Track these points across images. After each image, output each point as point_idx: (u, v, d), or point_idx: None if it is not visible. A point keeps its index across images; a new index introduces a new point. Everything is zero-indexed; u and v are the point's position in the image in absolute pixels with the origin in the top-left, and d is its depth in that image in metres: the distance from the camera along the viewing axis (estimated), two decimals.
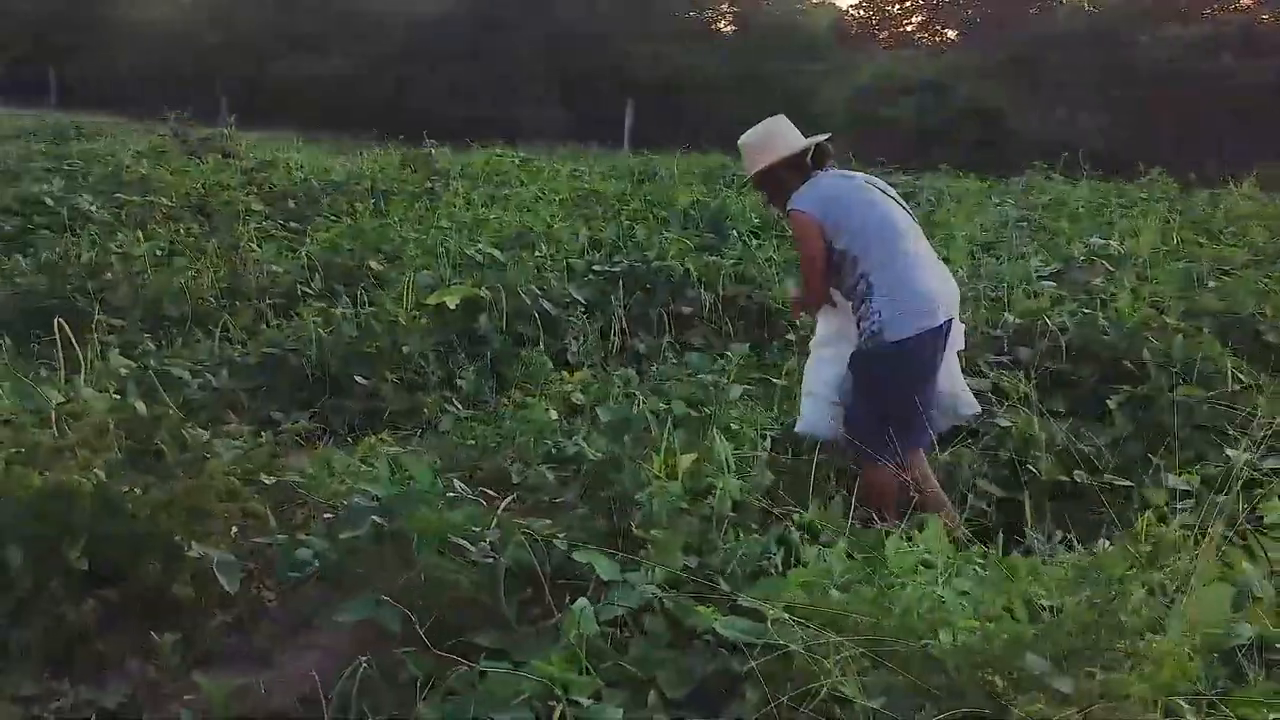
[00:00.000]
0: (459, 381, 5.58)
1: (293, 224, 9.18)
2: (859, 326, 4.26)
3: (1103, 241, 8.36)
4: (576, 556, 3.07)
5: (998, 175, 15.49)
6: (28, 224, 8.16)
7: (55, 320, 4.39)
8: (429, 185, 11.64)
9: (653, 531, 3.24)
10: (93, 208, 8.53)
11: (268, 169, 11.67)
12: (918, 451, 4.28)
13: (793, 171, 4.38)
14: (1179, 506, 3.60)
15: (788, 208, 4.32)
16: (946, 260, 5.19)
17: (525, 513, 3.67)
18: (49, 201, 8.51)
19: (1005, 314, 6.05)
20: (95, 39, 28.33)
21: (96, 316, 5.73)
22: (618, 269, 6.86)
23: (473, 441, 4.52)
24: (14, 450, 3.68)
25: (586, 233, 8.24)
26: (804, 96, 24.46)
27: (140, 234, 7.44)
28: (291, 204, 10.04)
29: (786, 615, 2.66)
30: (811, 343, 4.66)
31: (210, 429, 4.29)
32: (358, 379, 5.45)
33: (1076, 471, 4.48)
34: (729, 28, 36.18)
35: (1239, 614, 2.79)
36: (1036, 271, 7.43)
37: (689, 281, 6.76)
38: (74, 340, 4.25)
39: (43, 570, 3.42)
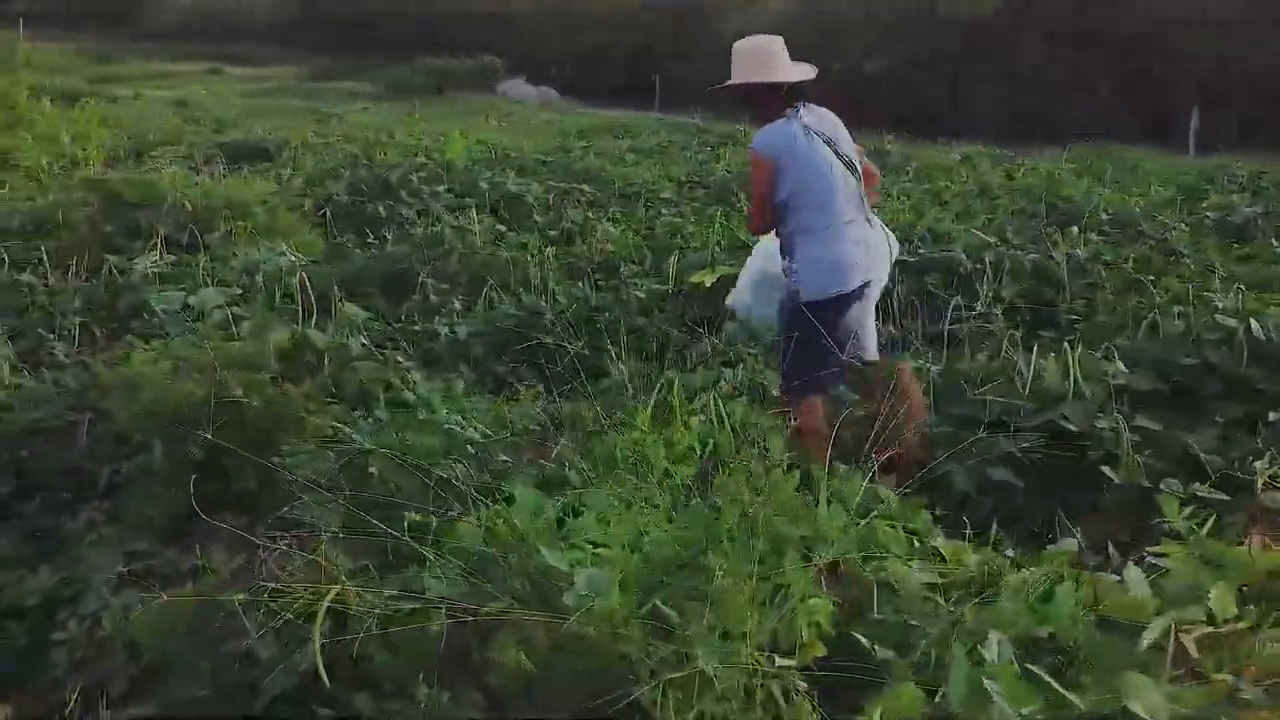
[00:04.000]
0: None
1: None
2: (785, 274, 4.71)
3: None
4: None
5: None
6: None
7: (298, 276, 5.55)
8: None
9: None
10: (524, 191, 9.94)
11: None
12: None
13: (768, 95, 4.62)
14: None
15: (751, 145, 4.67)
16: None
17: None
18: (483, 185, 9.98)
19: None
20: (692, 50, 31.36)
21: (421, 279, 6.85)
22: None
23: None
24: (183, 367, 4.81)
25: None
26: None
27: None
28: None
29: None
30: None
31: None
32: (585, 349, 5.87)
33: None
34: None
35: None
36: None
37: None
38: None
39: (174, 460, 4.48)
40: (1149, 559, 3.02)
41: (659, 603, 2.31)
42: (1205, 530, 2.96)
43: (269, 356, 4.71)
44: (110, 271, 6.69)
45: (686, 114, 22.85)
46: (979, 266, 6.42)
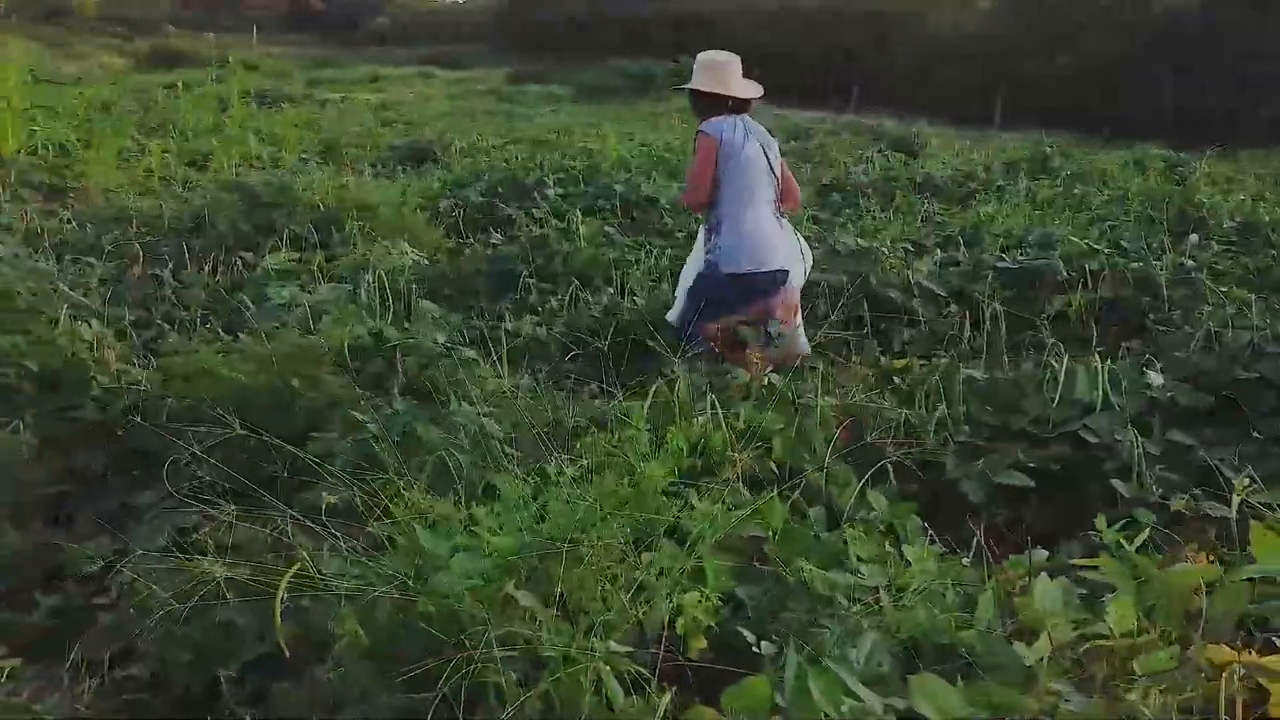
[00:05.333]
0: None
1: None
2: (705, 252, 5.47)
3: None
4: None
5: None
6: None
7: (377, 274, 5.91)
8: None
9: None
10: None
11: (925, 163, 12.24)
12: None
13: (716, 103, 5.49)
14: None
15: (699, 127, 5.46)
16: None
17: None
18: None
19: None
20: (892, 51, 30.89)
21: (522, 279, 7.13)
22: None
23: None
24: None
25: None
26: None
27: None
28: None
29: None
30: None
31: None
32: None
33: None
34: None
35: None
36: None
37: None
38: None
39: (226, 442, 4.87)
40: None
41: (511, 587, 2.45)
42: (1135, 545, 2.92)
43: (326, 350, 5.03)
44: (236, 267, 7.19)
45: (876, 115, 22.58)
46: (1073, 275, 6.28)
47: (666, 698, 2.22)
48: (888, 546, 3.48)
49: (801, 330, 5.63)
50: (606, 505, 2.76)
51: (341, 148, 14.91)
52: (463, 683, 2.32)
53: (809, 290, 6.46)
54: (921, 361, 5.68)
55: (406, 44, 46.03)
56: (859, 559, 3.37)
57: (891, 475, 4.28)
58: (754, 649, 2.73)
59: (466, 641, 2.35)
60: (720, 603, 2.97)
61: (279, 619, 2.75)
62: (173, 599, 3.47)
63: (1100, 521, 3.03)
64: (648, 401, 4.18)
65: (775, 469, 4.15)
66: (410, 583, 2.53)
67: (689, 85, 5.59)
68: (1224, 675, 2.33)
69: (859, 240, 7.09)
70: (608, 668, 2.36)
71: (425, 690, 2.34)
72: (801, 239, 5.66)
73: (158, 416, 5.11)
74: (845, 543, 3.46)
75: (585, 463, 3.65)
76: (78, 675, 3.57)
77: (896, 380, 5.29)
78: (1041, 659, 2.62)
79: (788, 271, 5.41)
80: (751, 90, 5.54)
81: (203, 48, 30.61)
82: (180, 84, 20.73)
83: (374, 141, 15.47)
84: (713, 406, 4.12)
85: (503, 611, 2.51)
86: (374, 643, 2.39)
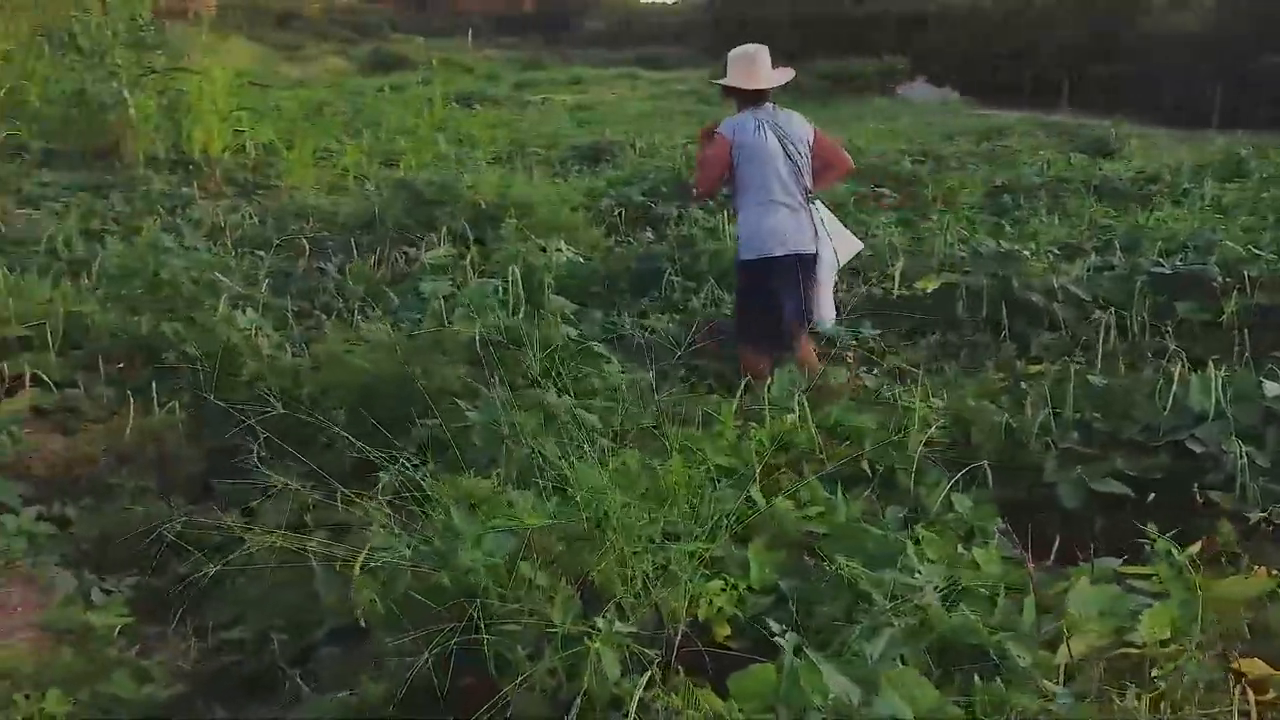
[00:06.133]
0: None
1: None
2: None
3: None
4: None
5: None
6: None
7: (512, 270, 6.16)
8: None
9: None
10: None
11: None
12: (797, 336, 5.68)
13: (742, 94, 5.88)
14: None
15: (719, 125, 5.91)
16: None
17: None
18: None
19: None
20: (1114, 50, 29.62)
21: (667, 276, 7.28)
22: None
23: None
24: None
25: None
26: None
27: None
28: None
29: None
30: None
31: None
32: None
33: None
34: None
35: None
36: None
37: None
38: None
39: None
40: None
41: (520, 562, 2.59)
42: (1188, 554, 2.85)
43: (453, 342, 5.28)
44: (398, 262, 7.56)
45: (1086, 115, 21.81)
46: (1228, 281, 6.03)
47: (645, 677, 2.30)
48: (960, 549, 3.49)
49: (824, 301, 5.88)
50: (635, 491, 2.86)
51: (528, 148, 15.36)
52: (468, 650, 2.46)
53: (944, 293, 6.43)
54: (1056, 367, 5.58)
55: (616, 45, 46.83)
56: (927, 559, 3.40)
57: (990, 479, 4.26)
58: (774, 639, 2.79)
59: (476, 614, 2.49)
60: (759, 594, 3.06)
61: (350, 592, 2.96)
62: (272, 570, 3.76)
63: (1153, 530, 2.96)
64: (736, 399, 4.26)
65: (868, 468, 4.18)
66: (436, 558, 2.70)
67: (728, 82, 5.95)
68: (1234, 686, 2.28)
69: (1001, 243, 6.96)
70: (606, 646, 2.46)
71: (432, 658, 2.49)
72: (835, 221, 5.94)
73: (296, 402, 5.46)
74: (916, 542, 3.49)
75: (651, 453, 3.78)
76: (186, 637, 3.88)
77: (1024, 385, 5.22)
78: (1062, 663, 2.62)
79: (812, 254, 5.72)
80: (769, 80, 5.90)
81: (418, 51, 31.82)
82: (387, 87, 21.69)
83: (558, 142, 15.87)
84: (800, 405, 4.16)
85: (523, 589, 2.64)
86: (389, 612, 2.56)
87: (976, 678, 2.56)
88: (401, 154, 14.17)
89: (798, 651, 2.44)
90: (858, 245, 6.07)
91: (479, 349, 5.47)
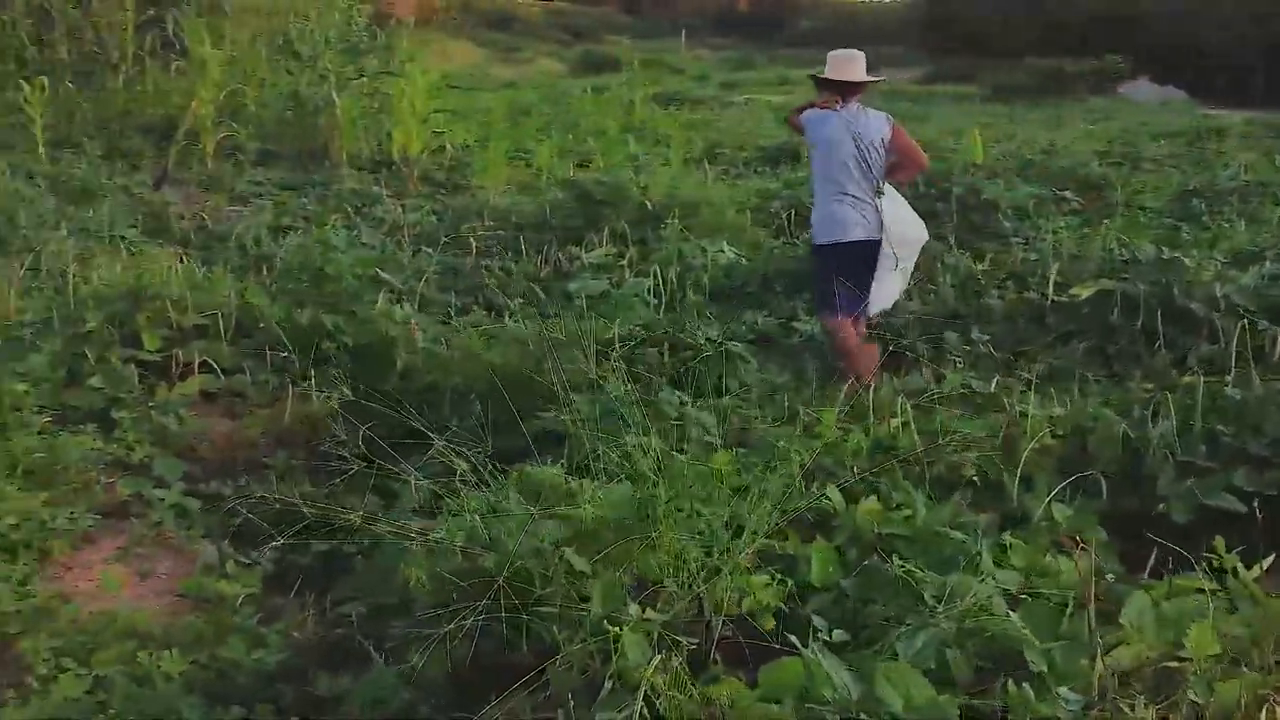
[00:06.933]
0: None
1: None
2: None
3: None
4: None
5: None
6: None
7: (655, 269, 6.29)
8: None
9: None
10: None
11: None
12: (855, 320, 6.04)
13: (832, 89, 6.21)
14: None
15: (805, 112, 6.42)
16: None
17: None
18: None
19: None
20: None
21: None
22: None
23: None
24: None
25: None
26: None
27: None
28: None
29: None
30: None
31: None
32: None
33: None
34: None
35: None
36: None
37: None
38: None
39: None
40: None
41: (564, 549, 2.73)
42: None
43: (590, 338, 5.46)
44: (560, 260, 7.81)
45: None
46: None
47: (654, 661, 2.40)
48: (1049, 557, 3.48)
49: (889, 284, 6.14)
50: (690, 487, 2.96)
51: (717, 149, 15.47)
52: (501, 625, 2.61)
53: (1100, 299, 6.27)
54: (1211, 379, 5.38)
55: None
56: (1010, 565, 3.40)
57: (1104, 489, 4.19)
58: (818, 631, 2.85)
59: (510, 593, 2.64)
60: (820, 590, 3.13)
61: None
62: (383, 552, 3.99)
63: (1219, 544, 2.89)
64: (839, 403, 4.30)
65: (975, 475, 4.17)
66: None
67: (826, 76, 6.29)
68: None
69: (1163, 249, 6.70)
70: (630, 631, 2.57)
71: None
72: (906, 207, 6.26)
73: (439, 392, 5.73)
74: (1004, 549, 3.50)
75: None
76: (307, 609, 4.15)
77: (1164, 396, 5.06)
78: (1100, 673, 2.60)
79: (875, 241, 6.00)
80: (855, 76, 6.23)
81: (627, 53, 32.34)
82: (589, 88, 22.12)
83: (747, 143, 15.93)
84: (902, 410, 4.17)
85: (564, 575, 2.77)
86: (434, 589, 2.73)
87: (1010, 682, 2.57)
88: (593, 155, 14.49)
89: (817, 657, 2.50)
90: (923, 235, 6.35)
91: (616, 346, 5.66)
